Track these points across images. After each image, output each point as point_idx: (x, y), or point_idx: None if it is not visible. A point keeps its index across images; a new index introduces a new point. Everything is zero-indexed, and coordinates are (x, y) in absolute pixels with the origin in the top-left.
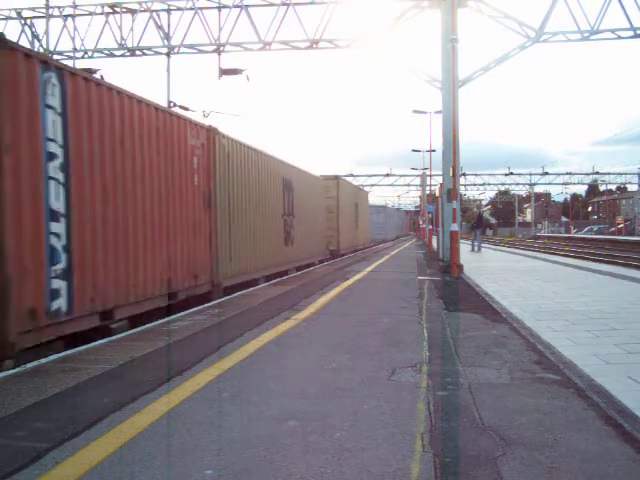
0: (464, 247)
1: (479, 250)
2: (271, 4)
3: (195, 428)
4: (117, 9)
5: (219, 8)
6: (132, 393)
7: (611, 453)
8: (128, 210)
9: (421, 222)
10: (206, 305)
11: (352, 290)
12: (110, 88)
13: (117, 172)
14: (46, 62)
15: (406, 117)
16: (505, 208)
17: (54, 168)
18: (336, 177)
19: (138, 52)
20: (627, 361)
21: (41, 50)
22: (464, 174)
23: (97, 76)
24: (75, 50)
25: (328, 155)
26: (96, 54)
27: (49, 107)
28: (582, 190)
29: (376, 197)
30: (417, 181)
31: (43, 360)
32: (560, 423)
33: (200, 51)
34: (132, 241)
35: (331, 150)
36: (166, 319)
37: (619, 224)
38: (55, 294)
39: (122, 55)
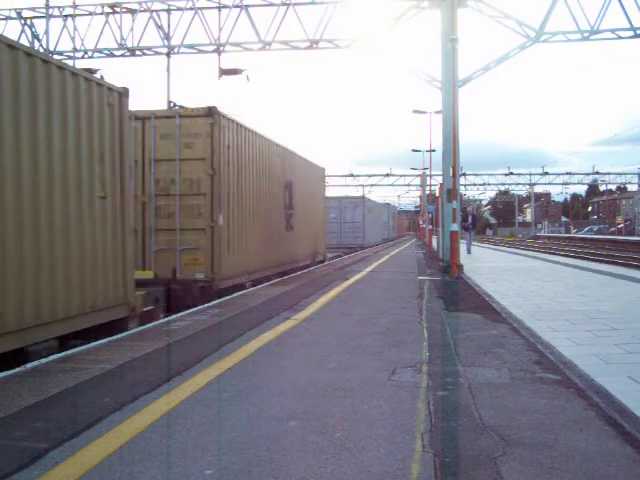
0: (464, 248)
1: (469, 252)
2: (271, 4)
3: (195, 428)
4: (117, 9)
5: (219, 8)
6: (132, 393)
7: (611, 453)
8: None
9: (421, 222)
10: (206, 305)
11: (352, 290)
12: None
13: None
14: None
15: (406, 117)
16: (505, 208)
17: None
18: (211, 111)
19: (138, 52)
20: (627, 361)
21: (41, 50)
22: (464, 174)
23: (97, 76)
24: (75, 50)
25: (328, 155)
26: (96, 54)
27: None
28: (582, 190)
29: (376, 197)
30: (417, 181)
31: (43, 360)
32: (560, 423)
33: (200, 51)
34: None
35: (331, 150)
36: (166, 319)
37: (619, 224)
38: None
39: (122, 55)
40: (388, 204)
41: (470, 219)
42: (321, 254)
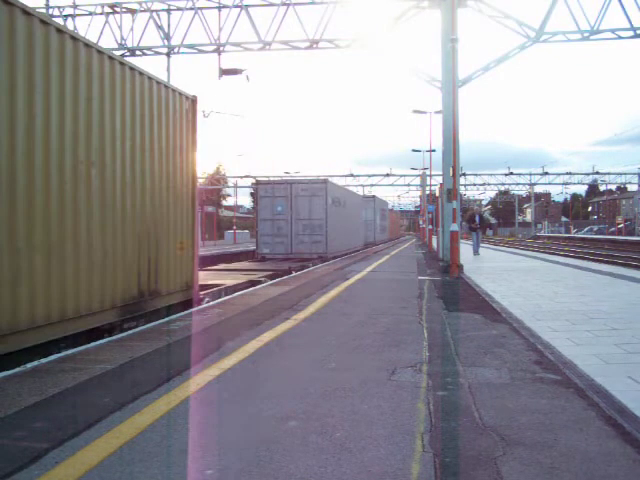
0: (465, 248)
1: (477, 253)
2: (271, 4)
3: (195, 428)
4: (117, 9)
5: (219, 8)
6: (132, 393)
7: (611, 453)
8: None
9: (421, 222)
10: (206, 305)
11: (352, 290)
12: None
13: None
14: None
15: (406, 117)
16: (505, 208)
17: None
18: None
19: (138, 52)
20: (627, 361)
21: None
22: (464, 174)
23: None
24: None
25: (328, 155)
26: None
27: None
28: (582, 190)
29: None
30: (417, 181)
31: (43, 360)
32: (560, 423)
33: (200, 51)
34: None
35: (331, 150)
36: (166, 319)
37: (619, 224)
38: None
39: (122, 55)
40: (374, 197)
41: (477, 219)
42: (179, 291)
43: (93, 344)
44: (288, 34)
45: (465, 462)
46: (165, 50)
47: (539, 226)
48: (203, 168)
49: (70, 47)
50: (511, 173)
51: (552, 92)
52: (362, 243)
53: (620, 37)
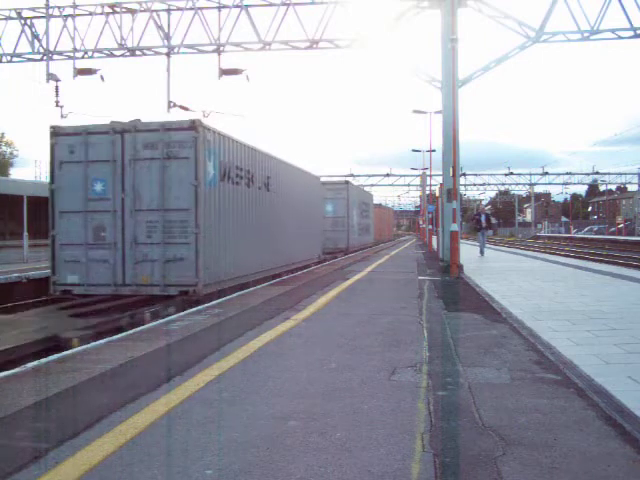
0: (465, 248)
1: (482, 253)
2: (271, 4)
3: (195, 428)
4: (117, 9)
5: (219, 8)
6: (132, 393)
7: (611, 453)
8: None
9: (421, 222)
10: (206, 305)
11: (352, 290)
12: None
13: None
14: None
15: (406, 117)
16: (505, 208)
17: None
18: None
19: (138, 52)
20: (627, 361)
21: (41, 50)
22: (464, 174)
23: (97, 76)
24: (75, 50)
25: (328, 155)
26: (96, 54)
27: None
28: (582, 190)
29: (377, 198)
30: (417, 181)
31: (43, 360)
32: (560, 423)
33: (200, 51)
34: None
35: (331, 150)
36: (166, 319)
37: (619, 224)
38: None
39: (122, 55)
40: (347, 183)
41: (483, 218)
42: None
43: (93, 344)
44: (288, 34)
45: (465, 462)
46: (165, 50)
47: (539, 226)
48: None
49: None
50: (511, 173)
51: (552, 92)
52: (317, 253)
53: (620, 37)
